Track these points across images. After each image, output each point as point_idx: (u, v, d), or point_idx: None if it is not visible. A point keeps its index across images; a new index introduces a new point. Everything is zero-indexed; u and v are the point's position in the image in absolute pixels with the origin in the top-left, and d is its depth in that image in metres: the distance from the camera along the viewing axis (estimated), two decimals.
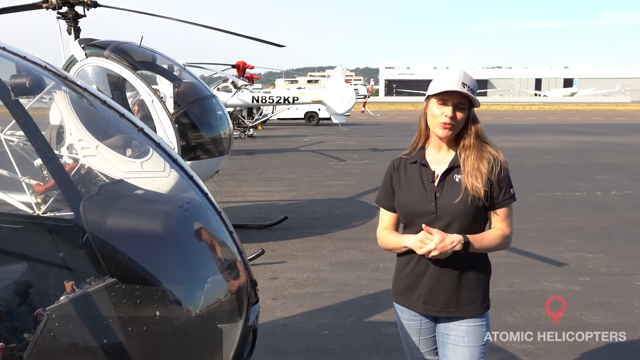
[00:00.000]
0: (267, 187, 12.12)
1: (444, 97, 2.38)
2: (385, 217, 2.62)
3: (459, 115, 2.39)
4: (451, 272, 2.40)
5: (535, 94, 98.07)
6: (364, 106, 29.34)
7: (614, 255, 6.90)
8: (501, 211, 2.44)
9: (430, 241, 2.31)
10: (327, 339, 4.57)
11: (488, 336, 2.50)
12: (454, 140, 2.47)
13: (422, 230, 2.38)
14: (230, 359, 1.99)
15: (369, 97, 36.72)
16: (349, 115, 25.23)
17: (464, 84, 2.35)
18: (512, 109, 62.82)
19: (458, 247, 2.30)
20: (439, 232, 2.31)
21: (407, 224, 2.53)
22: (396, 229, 2.61)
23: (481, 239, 2.38)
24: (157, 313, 1.85)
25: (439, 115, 2.39)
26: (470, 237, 2.35)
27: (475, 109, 2.46)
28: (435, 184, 2.43)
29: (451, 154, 2.47)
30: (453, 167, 2.43)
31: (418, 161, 2.50)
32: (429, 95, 2.44)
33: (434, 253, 2.30)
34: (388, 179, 2.60)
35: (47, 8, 7.57)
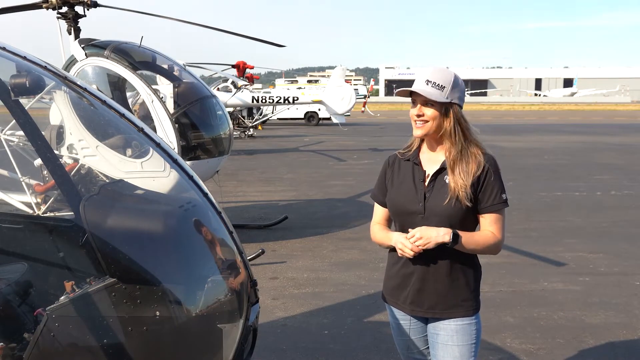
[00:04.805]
0: (267, 187, 12.12)
1: (413, 97, 2.40)
2: (378, 212, 2.64)
3: (428, 112, 2.38)
4: (438, 274, 2.40)
5: (535, 94, 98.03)
6: (364, 106, 29.30)
7: (614, 255, 6.90)
8: (491, 215, 2.41)
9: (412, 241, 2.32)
10: (327, 339, 4.57)
11: (479, 334, 2.48)
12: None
13: (407, 226, 2.40)
14: (230, 359, 1.99)
15: (369, 97, 36.68)
16: (349, 115, 25.22)
17: (428, 81, 2.36)
18: (512, 109, 62.70)
19: (447, 239, 2.29)
20: (424, 227, 2.32)
21: (396, 221, 2.54)
22: (389, 224, 2.62)
23: (471, 237, 2.37)
24: (157, 313, 1.85)
25: (412, 116, 2.42)
26: (461, 232, 2.34)
27: (474, 109, 2.46)
28: (426, 183, 2.43)
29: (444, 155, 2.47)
30: (444, 168, 2.43)
31: (411, 160, 2.51)
32: None
33: (419, 242, 2.29)
34: (382, 175, 2.62)
35: (47, 8, 7.57)
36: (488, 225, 2.42)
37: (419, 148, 2.53)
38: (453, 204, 2.35)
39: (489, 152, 2.46)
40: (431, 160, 2.48)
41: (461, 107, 2.44)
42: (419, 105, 2.40)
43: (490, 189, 2.39)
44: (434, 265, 2.39)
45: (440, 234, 2.30)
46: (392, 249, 2.51)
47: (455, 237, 2.31)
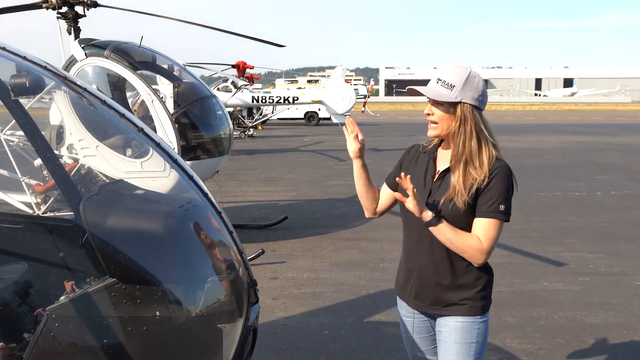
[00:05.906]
0: (267, 187, 12.12)
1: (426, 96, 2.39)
2: (382, 187, 2.66)
3: (437, 112, 2.34)
4: (440, 271, 2.38)
5: (535, 94, 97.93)
6: (364, 106, 29.32)
7: (614, 255, 6.90)
8: (483, 220, 2.28)
9: None
10: (327, 339, 4.56)
11: (483, 335, 2.43)
12: None
13: (408, 220, 2.42)
14: (230, 359, 1.99)
15: (369, 97, 36.68)
16: (349, 115, 25.21)
17: (438, 80, 2.33)
18: (512, 109, 62.75)
19: (428, 215, 2.25)
20: (414, 199, 2.25)
21: (401, 213, 2.51)
22: (384, 207, 2.64)
23: (452, 230, 2.27)
24: (157, 313, 1.85)
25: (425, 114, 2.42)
26: (445, 222, 2.27)
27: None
28: (434, 180, 2.42)
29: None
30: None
31: (428, 154, 2.49)
32: None
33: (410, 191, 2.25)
34: (400, 161, 2.62)
35: (47, 8, 7.57)
36: (477, 230, 2.31)
37: (439, 144, 2.49)
38: (450, 205, 2.29)
39: (504, 161, 2.35)
40: (444, 158, 2.43)
41: (477, 108, 2.32)
42: (429, 105, 2.37)
43: (490, 195, 2.28)
44: (437, 262, 2.38)
45: (421, 207, 2.27)
46: (405, 244, 2.52)
47: (434, 219, 2.26)
